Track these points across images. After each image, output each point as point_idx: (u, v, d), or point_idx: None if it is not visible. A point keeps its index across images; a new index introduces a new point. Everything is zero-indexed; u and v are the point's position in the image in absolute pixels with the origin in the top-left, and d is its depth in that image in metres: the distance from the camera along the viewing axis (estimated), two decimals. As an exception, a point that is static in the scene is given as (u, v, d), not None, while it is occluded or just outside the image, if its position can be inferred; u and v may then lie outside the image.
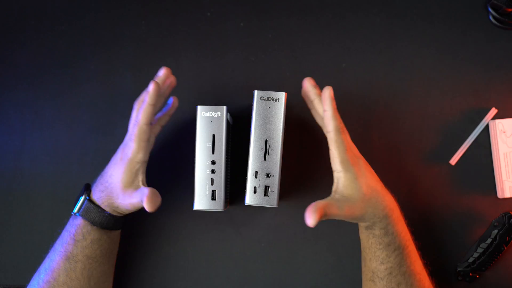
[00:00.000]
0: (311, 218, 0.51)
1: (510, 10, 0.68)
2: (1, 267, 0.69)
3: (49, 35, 0.71)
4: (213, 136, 0.59)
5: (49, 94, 0.71)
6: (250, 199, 0.58)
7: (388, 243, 0.56)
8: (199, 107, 0.59)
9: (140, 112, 0.57)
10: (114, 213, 0.59)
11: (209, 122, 0.59)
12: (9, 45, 0.71)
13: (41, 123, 0.70)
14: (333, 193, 0.56)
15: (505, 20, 0.69)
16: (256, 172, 0.58)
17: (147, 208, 0.54)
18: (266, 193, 0.58)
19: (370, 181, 0.56)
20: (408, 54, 0.70)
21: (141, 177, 0.58)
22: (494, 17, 0.69)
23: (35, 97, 0.71)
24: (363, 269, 0.60)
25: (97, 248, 0.59)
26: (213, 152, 0.59)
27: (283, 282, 0.69)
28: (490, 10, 0.69)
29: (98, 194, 0.59)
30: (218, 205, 0.59)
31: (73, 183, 0.69)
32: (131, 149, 0.57)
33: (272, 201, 0.58)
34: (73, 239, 0.58)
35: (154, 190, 0.56)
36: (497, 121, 0.67)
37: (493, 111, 0.69)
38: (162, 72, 0.60)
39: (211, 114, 0.59)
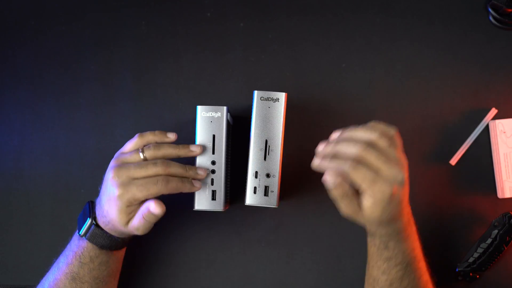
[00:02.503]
0: (331, 178, 0.48)
1: (510, 10, 0.68)
2: (1, 267, 0.69)
3: (49, 35, 0.71)
4: (213, 136, 0.59)
5: (49, 94, 0.71)
6: (250, 199, 0.58)
7: (388, 257, 0.55)
8: (199, 107, 0.59)
9: (171, 182, 0.54)
10: (123, 236, 0.58)
11: (209, 122, 0.59)
12: (9, 45, 0.71)
13: (41, 123, 0.70)
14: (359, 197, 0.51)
15: (505, 20, 0.69)
16: (256, 172, 0.58)
17: (156, 210, 0.53)
18: (266, 193, 0.58)
19: (395, 211, 0.51)
20: (408, 54, 0.70)
21: (137, 209, 0.55)
22: (494, 17, 0.69)
23: (35, 97, 0.71)
24: (366, 272, 0.60)
25: (105, 269, 0.58)
26: (213, 152, 0.59)
27: (283, 282, 0.69)
28: (490, 10, 0.69)
29: (103, 224, 0.56)
30: (218, 205, 0.59)
31: (73, 183, 0.69)
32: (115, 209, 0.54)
33: (272, 201, 0.58)
34: (80, 261, 0.57)
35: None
36: (497, 121, 0.67)
37: (493, 111, 0.69)
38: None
39: (211, 114, 0.59)
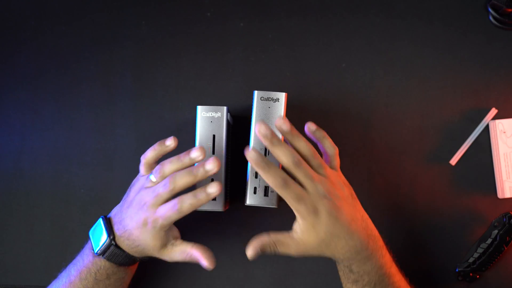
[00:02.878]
0: (249, 251, 0.55)
1: (510, 10, 0.68)
2: (1, 267, 0.69)
3: (49, 35, 0.71)
4: (214, 136, 0.59)
5: (49, 94, 0.71)
6: (250, 199, 0.58)
7: (355, 279, 0.56)
8: (199, 107, 0.59)
9: (190, 198, 0.53)
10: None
11: (209, 122, 0.59)
12: (9, 45, 0.71)
13: (41, 123, 0.70)
14: (293, 231, 0.55)
15: (505, 20, 0.69)
16: (256, 173, 0.58)
17: (209, 267, 0.55)
18: (266, 193, 0.58)
19: (332, 227, 0.52)
20: (408, 54, 0.70)
21: (174, 233, 0.57)
22: (494, 17, 0.69)
23: (35, 97, 0.71)
24: None
25: (120, 284, 0.58)
26: (213, 152, 0.59)
27: (283, 282, 0.69)
28: (490, 10, 0.69)
29: (127, 242, 0.55)
30: (218, 206, 0.59)
31: (73, 183, 0.69)
32: (160, 225, 0.53)
33: (272, 201, 0.58)
34: (95, 278, 0.56)
35: (201, 248, 0.55)
36: (497, 121, 0.67)
37: (493, 111, 0.69)
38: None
39: (211, 114, 0.59)
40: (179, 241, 0.56)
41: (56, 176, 0.70)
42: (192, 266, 0.69)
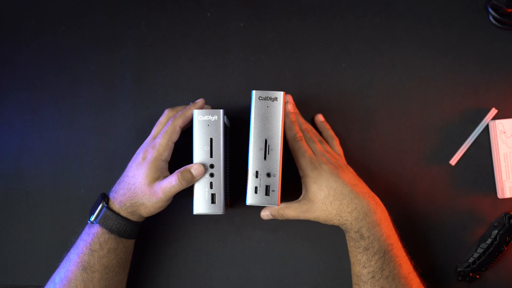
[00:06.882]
0: (264, 214, 0.62)
1: (510, 10, 0.68)
2: (1, 267, 0.69)
3: (49, 35, 0.71)
4: (211, 140, 0.58)
5: (49, 94, 0.71)
6: (251, 199, 0.58)
7: (365, 247, 0.57)
8: (196, 111, 0.59)
9: (180, 115, 0.60)
10: (134, 217, 0.60)
11: (206, 126, 0.59)
12: (9, 45, 0.71)
13: (41, 123, 0.70)
14: (301, 196, 0.61)
15: (505, 20, 0.69)
16: (257, 172, 0.58)
17: (196, 171, 0.57)
18: (267, 192, 0.58)
19: (334, 183, 0.58)
20: (408, 54, 0.70)
21: (165, 174, 0.60)
22: (494, 17, 0.69)
23: (35, 97, 0.71)
24: (351, 273, 0.61)
25: (114, 257, 0.59)
26: (211, 156, 0.58)
27: (283, 282, 0.69)
28: (490, 10, 0.69)
29: (120, 198, 0.59)
30: (218, 208, 0.59)
31: (73, 183, 0.69)
32: (158, 147, 0.59)
33: (273, 200, 0.58)
34: (90, 249, 0.58)
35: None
36: (497, 121, 0.67)
37: (493, 111, 0.69)
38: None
39: (207, 118, 0.59)
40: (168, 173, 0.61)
41: (56, 176, 0.70)
42: (192, 266, 0.69)
